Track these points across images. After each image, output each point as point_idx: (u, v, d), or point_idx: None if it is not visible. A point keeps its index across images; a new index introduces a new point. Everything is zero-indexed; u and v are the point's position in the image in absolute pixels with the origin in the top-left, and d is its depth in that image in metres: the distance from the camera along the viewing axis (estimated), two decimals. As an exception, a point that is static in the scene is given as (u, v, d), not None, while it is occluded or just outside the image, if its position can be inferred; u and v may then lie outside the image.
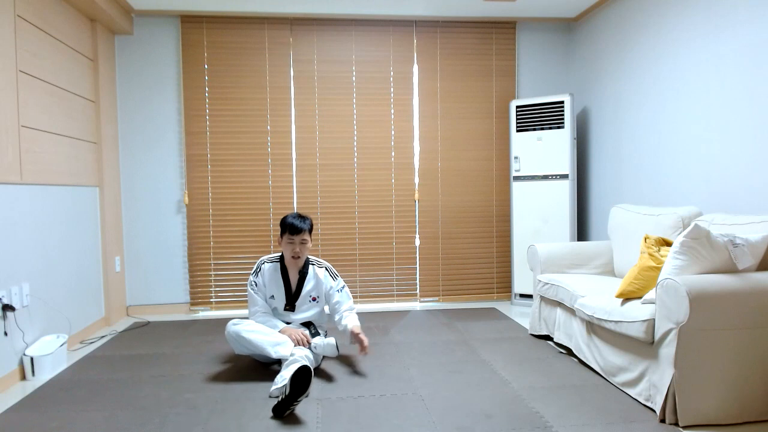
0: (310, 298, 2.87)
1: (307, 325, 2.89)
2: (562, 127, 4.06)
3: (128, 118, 4.10)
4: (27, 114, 2.88)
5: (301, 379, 2.16)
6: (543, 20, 4.38)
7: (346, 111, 4.28)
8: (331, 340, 2.67)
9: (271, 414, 2.22)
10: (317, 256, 4.21)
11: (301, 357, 2.49)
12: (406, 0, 3.93)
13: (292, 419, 2.17)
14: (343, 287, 2.89)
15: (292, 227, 2.74)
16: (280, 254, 2.91)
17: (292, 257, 2.79)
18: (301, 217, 2.80)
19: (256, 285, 2.84)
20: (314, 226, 4.47)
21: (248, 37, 4.16)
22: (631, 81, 3.65)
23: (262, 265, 2.87)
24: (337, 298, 2.86)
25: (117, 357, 3.05)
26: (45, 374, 2.74)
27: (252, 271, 2.87)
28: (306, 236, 2.79)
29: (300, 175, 4.26)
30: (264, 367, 2.79)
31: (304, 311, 2.88)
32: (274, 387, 2.39)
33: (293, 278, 2.87)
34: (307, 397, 2.29)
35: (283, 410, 2.19)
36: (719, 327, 2.05)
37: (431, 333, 3.45)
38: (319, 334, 2.85)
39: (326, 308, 2.99)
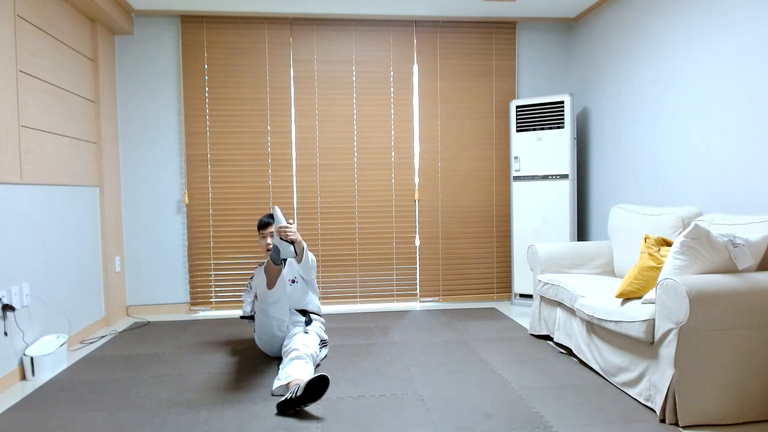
0: (289, 281, 2.98)
1: (303, 312, 2.99)
2: (562, 127, 4.06)
3: (128, 118, 4.10)
4: (27, 114, 2.88)
5: (318, 387, 2.20)
6: (543, 20, 4.38)
7: (346, 111, 4.28)
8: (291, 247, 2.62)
9: (273, 412, 2.22)
10: (317, 254, 4.22)
11: (307, 355, 2.53)
12: (406, 0, 3.93)
13: (293, 419, 2.17)
14: (311, 259, 3.02)
15: (260, 223, 3.03)
16: None
17: (266, 250, 2.99)
18: (272, 216, 3.05)
19: (250, 288, 3.17)
20: (312, 226, 4.45)
21: (248, 37, 4.16)
22: (630, 81, 3.65)
23: (254, 270, 3.19)
24: None
25: (117, 357, 3.05)
26: (45, 374, 2.74)
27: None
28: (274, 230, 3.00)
29: (300, 175, 4.26)
30: (265, 367, 2.80)
31: (289, 294, 2.98)
32: (277, 384, 2.41)
33: None
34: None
35: (288, 409, 2.22)
36: (719, 327, 2.05)
37: (431, 333, 3.45)
38: (311, 321, 2.93)
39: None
